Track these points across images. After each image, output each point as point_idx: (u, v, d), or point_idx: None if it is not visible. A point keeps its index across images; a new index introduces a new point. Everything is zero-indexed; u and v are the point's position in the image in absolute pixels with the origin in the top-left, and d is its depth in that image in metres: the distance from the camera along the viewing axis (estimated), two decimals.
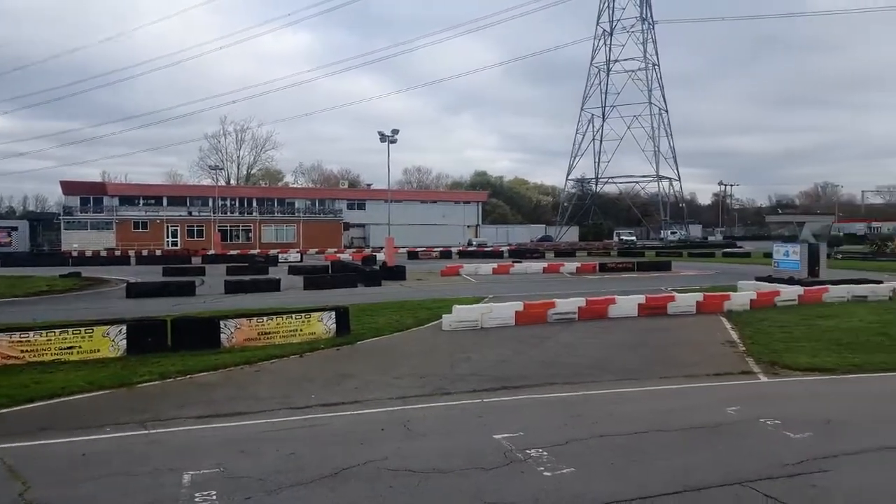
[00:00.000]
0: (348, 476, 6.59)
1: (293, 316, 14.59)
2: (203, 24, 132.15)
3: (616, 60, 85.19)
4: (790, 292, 20.85)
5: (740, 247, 62.94)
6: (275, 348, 13.58)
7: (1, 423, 8.74)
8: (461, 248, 58.93)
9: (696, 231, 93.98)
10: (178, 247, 61.70)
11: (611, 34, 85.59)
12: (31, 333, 12.32)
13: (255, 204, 71.59)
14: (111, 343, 12.77)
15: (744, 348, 13.81)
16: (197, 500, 6.03)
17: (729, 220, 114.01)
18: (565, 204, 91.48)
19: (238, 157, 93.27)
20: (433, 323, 16.89)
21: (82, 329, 12.69)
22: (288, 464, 6.97)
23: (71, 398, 9.99)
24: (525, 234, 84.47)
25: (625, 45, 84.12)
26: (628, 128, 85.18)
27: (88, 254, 48.77)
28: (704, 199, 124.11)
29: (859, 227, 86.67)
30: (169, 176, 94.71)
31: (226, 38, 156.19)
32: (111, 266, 40.81)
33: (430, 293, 24.66)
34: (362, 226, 76.54)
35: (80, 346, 12.50)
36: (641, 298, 18.99)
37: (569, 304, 18.00)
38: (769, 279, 24.45)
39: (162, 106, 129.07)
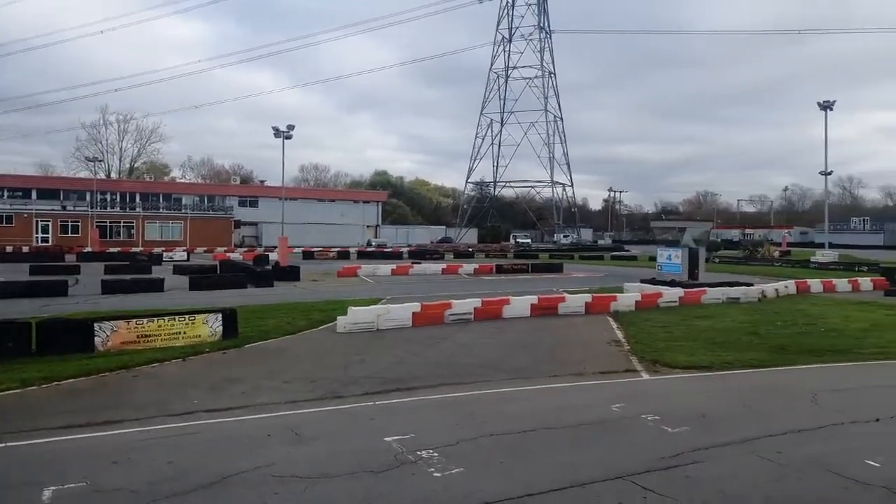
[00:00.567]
0: (231, 484, 6.29)
1: (176, 318, 13.81)
2: (85, 5, 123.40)
3: (514, 67, 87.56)
4: (672, 294, 22.06)
5: (628, 250, 66.19)
6: (155, 352, 12.78)
7: None
8: (360, 249, 58.30)
9: (587, 235, 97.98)
10: (50, 243, 57.06)
11: (510, 41, 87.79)
12: None
13: (138, 199, 67.64)
14: None
15: (628, 347, 14.43)
16: None
17: (618, 224, 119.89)
18: (465, 206, 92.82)
19: (120, 149, 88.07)
20: (327, 325, 16.53)
21: None
22: (165, 474, 6.56)
23: None
24: (425, 235, 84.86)
25: (523, 52, 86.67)
26: (525, 134, 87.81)
27: None
28: (595, 204, 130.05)
29: (735, 234, 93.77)
30: (40, 167, 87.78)
31: (109, 21, 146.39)
32: None
33: (324, 294, 24.16)
34: (255, 224, 74.19)
35: None
36: (534, 299, 19.48)
37: (465, 305, 18.17)
38: (653, 281, 25.76)
39: (35, 90, 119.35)
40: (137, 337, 13.19)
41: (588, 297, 20.60)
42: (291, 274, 30.75)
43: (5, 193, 61.83)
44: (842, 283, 27.96)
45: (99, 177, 73.57)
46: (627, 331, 16.42)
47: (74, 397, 9.78)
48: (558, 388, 10.78)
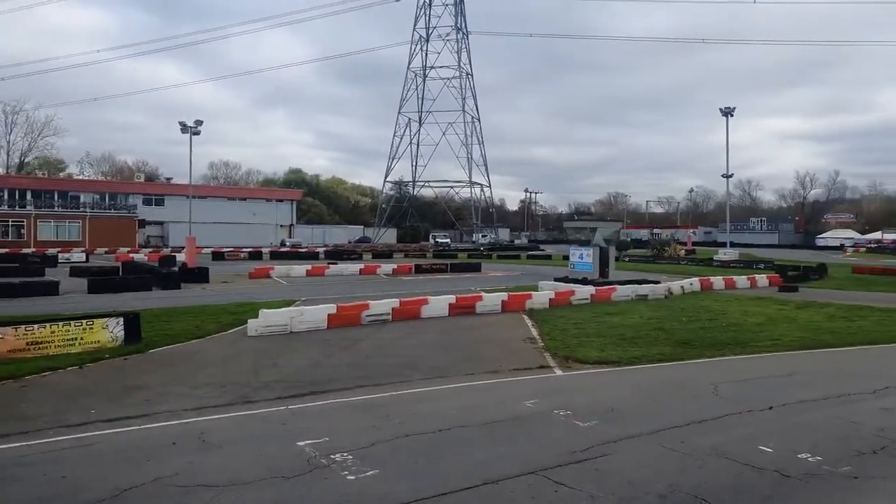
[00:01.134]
0: (130, 497, 5.98)
1: (72, 323, 12.97)
2: None
3: (432, 67, 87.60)
4: (584, 292, 22.71)
5: (543, 250, 67.83)
6: (48, 360, 11.96)
7: None
8: (273, 249, 56.90)
9: (504, 235, 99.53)
10: None
11: (427, 41, 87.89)
12: None
13: (29, 196, 62.92)
14: None
15: (542, 344, 14.73)
16: None
17: (534, 224, 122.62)
18: (383, 206, 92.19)
19: (8, 142, 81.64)
20: (238, 328, 15.98)
21: None
22: (58, 489, 6.16)
23: None
24: (342, 234, 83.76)
25: (440, 52, 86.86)
26: (443, 134, 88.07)
27: None
28: (512, 204, 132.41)
29: (643, 233, 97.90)
30: None
31: None
32: None
33: (235, 297, 23.38)
34: (161, 223, 70.94)
35: None
36: (452, 298, 19.59)
37: (383, 306, 18.03)
38: (566, 280, 26.44)
39: None
40: (27, 344, 12.29)
41: (504, 296, 20.91)
42: (200, 276, 29.65)
43: None
44: (741, 280, 29.61)
45: None
46: (542, 328, 16.76)
47: None
48: (474, 387, 10.85)
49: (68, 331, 12.78)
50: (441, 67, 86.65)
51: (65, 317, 13.72)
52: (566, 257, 37.25)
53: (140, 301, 20.66)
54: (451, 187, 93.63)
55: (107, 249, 54.51)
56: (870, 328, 17.26)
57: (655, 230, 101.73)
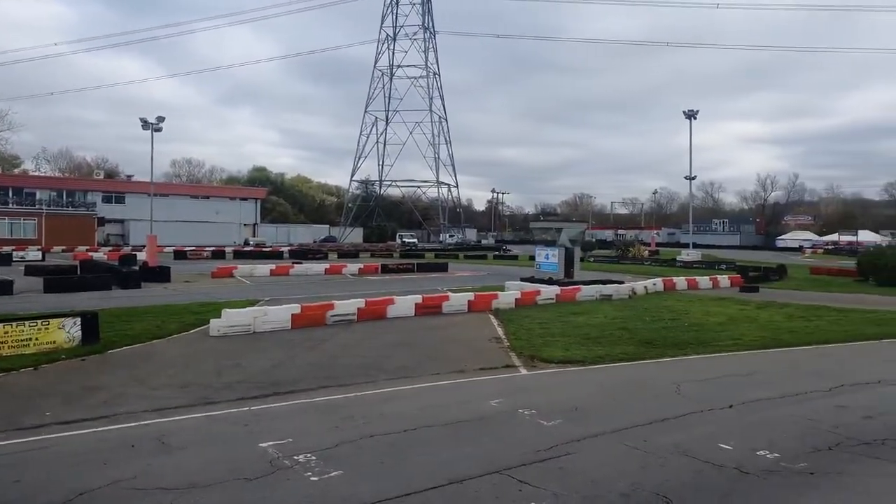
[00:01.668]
0: (85, 501, 5.86)
1: (26, 323, 12.54)
2: None
3: (399, 66, 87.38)
4: (549, 292, 22.87)
5: (509, 250, 68.06)
6: (1, 361, 11.55)
7: None
8: (237, 249, 56.01)
9: (471, 235, 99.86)
10: None
11: (394, 39, 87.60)
12: None
13: None
14: None
15: (508, 344, 14.79)
16: None
17: (500, 225, 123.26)
18: (350, 205, 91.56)
19: None
20: (200, 328, 15.69)
21: None
22: (10, 494, 5.97)
23: None
24: (308, 234, 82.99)
25: (407, 51, 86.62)
26: (411, 133, 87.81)
27: None
28: (479, 205, 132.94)
29: (608, 234, 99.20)
30: None
31: None
32: None
33: (197, 296, 22.96)
34: (121, 222, 69.40)
35: None
36: (419, 298, 19.54)
37: (348, 306, 17.88)
38: (532, 280, 26.61)
39: None
40: None
41: (471, 296, 20.94)
42: (161, 275, 29.03)
43: None
44: (704, 281, 30.17)
45: None
46: (507, 328, 16.83)
47: None
48: (440, 386, 10.84)
49: (22, 331, 12.35)
50: (408, 66, 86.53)
51: (19, 316, 13.30)
52: (532, 258, 37.57)
53: (99, 301, 20.16)
54: (419, 187, 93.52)
55: (64, 248, 53.14)
56: (826, 328, 17.74)
57: (620, 231, 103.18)
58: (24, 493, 6.03)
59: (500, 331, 16.59)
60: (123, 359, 12.57)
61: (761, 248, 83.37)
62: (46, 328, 12.70)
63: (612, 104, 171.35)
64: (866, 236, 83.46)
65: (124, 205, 69.54)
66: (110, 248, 53.49)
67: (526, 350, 13.82)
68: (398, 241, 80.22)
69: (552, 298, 22.40)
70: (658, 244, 75.99)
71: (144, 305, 19.68)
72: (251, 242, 68.87)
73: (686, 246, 60.75)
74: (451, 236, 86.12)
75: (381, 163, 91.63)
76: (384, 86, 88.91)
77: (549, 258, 28.91)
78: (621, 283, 25.99)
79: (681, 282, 29.13)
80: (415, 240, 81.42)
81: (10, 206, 61.01)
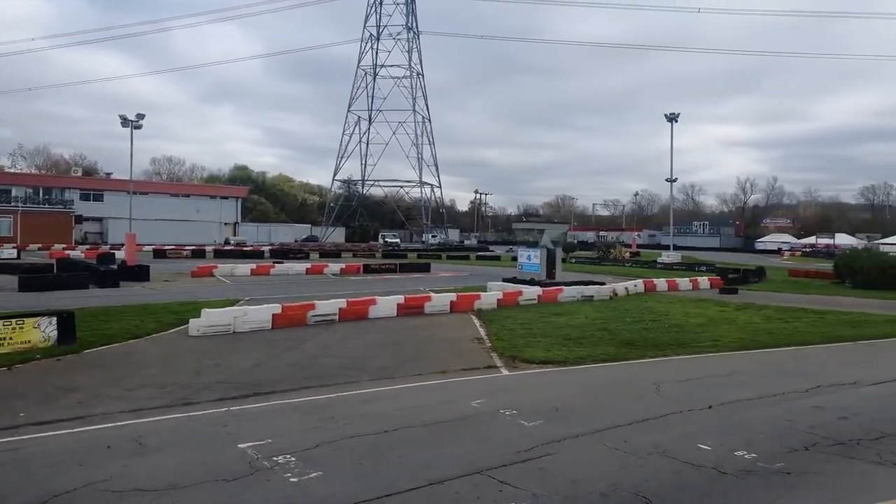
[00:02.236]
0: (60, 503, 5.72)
1: (0, 322, 12.32)
2: None
3: (382, 66, 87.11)
4: (531, 292, 22.94)
5: (492, 251, 68.30)
6: None
7: None
8: (217, 248, 55.62)
9: (454, 235, 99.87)
10: None
11: (377, 39, 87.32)
12: None
13: None
14: None
15: (490, 344, 14.80)
16: None
17: (483, 225, 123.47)
18: (332, 204, 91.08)
19: None
20: (179, 328, 15.52)
21: None
22: None
23: None
24: (289, 233, 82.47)
25: (391, 51, 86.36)
26: (394, 133, 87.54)
27: None
28: (462, 205, 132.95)
29: (590, 235, 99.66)
30: None
31: None
32: None
33: (177, 295, 22.73)
34: (99, 220, 68.44)
35: None
36: (401, 299, 19.50)
37: (329, 306, 17.79)
38: (514, 280, 26.67)
39: None
40: None
41: (453, 297, 20.93)
42: (140, 273, 28.68)
43: None
44: (684, 282, 30.46)
45: None
46: (489, 328, 16.84)
47: None
48: (421, 387, 10.81)
49: None
50: (392, 66, 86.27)
51: None
52: (514, 258, 37.73)
53: (75, 299, 19.85)
54: (401, 187, 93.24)
55: (40, 246, 52.30)
56: (804, 329, 17.97)
57: (602, 232, 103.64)
58: None
59: (482, 331, 16.60)
60: (100, 359, 12.39)
61: (741, 251, 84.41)
62: (21, 327, 12.48)
63: (593, 106, 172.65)
64: (843, 239, 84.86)
65: (103, 203, 68.59)
66: (88, 247, 52.77)
67: (508, 351, 13.84)
68: (381, 241, 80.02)
69: (534, 299, 22.46)
70: (639, 246, 76.56)
71: (122, 305, 19.43)
72: (232, 241, 68.30)
73: (667, 248, 61.20)
74: (433, 237, 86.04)
75: (363, 162, 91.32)
76: (367, 85, 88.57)
77: (531, 259, 29.01)
78: (603, 284, 26.13)
79: (661, 283, 29.35)
80: (397, 240, 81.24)
81: None
